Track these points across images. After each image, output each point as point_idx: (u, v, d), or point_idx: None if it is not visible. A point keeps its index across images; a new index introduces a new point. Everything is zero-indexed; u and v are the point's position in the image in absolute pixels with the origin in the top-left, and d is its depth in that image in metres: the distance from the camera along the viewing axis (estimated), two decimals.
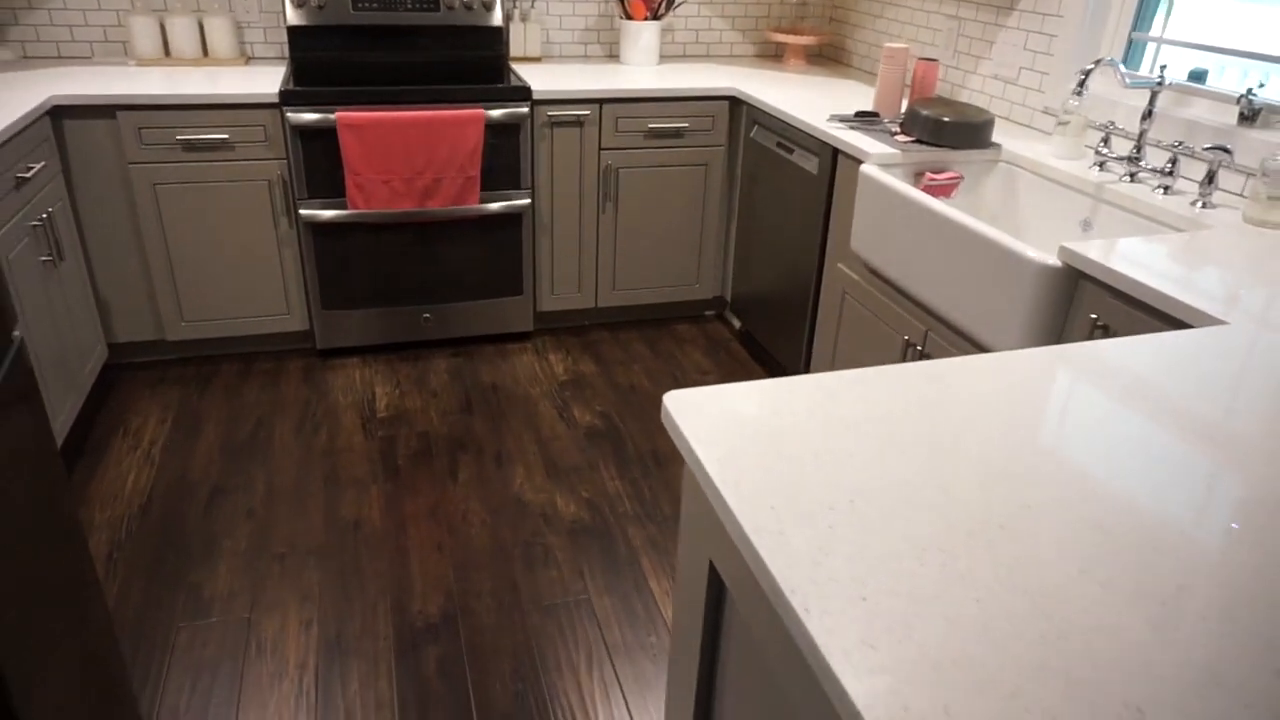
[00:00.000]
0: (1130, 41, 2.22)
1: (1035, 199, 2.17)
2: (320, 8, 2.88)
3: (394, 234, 2.77)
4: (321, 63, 2.89)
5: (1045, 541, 0.76)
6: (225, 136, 2.53)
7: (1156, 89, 1.92)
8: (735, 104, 2.91)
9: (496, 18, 3.03)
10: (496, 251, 2.89)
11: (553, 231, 2.94)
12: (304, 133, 2.57)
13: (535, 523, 2.19)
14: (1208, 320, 1.30)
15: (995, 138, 2.31)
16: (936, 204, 1.90)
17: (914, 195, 1.97)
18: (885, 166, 2.18)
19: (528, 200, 2.84)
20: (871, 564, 0.73)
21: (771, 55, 3.45)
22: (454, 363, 2.91)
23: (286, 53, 2.99)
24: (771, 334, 2.83)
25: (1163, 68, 1.93)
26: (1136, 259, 1.50)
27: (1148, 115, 1.94)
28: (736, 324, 3.14)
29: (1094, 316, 1.52)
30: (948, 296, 1.87)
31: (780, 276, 2.73)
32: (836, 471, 0.85)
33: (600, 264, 3.04)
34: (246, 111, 2.53)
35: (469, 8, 3.00)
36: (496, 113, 2.67)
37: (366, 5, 2.92)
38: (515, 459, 2.43)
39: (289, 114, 2.52)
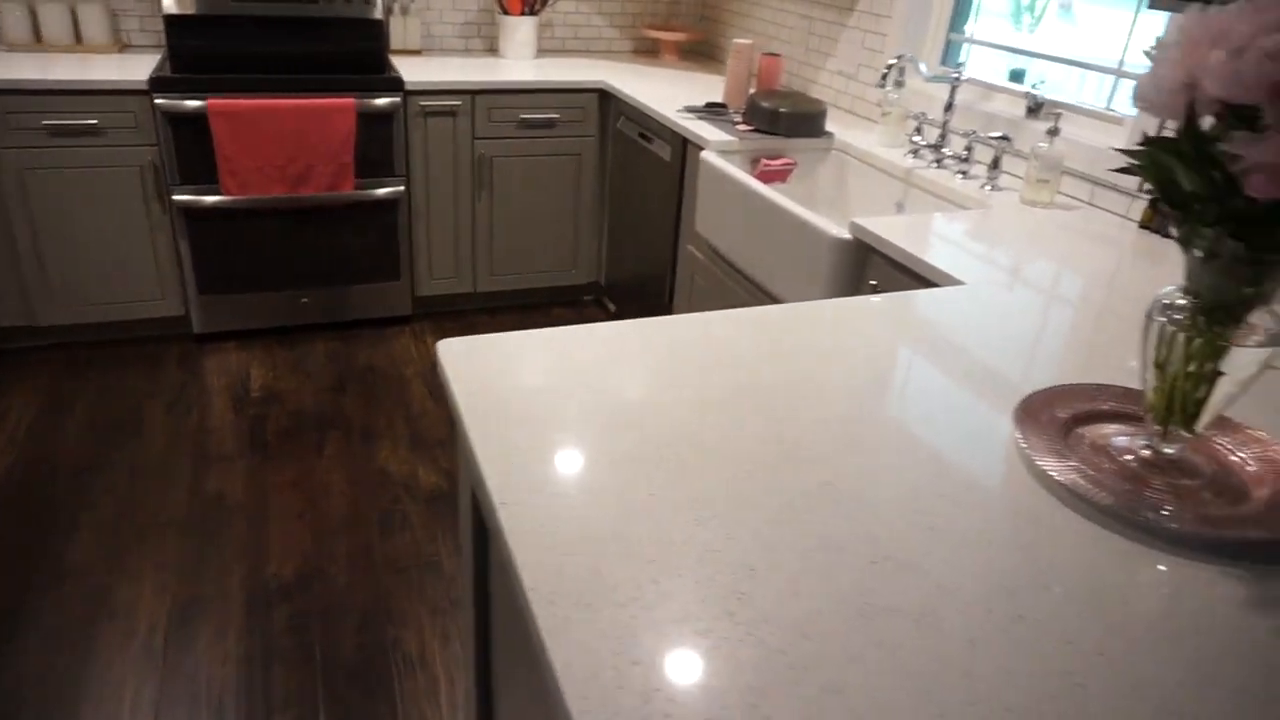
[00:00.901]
0: (948, 41, 2.42)
1: (861, 183, 2.35)
2: None
3: (270, 219, 2.84)
4: (198, 51, 2.93)
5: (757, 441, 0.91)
6: (94, 122, 2.57)
7: (954, 84, 2.12)
8: (605, 96, 3.05)
9: (376, 11, 3.11)
10: (373, 237, 2.97)
11: (429, 218, 3.04)
12: (175, 119, 2.61)
13: (395, 492, 2.29)
14: (951, 281, 1.48)
15: (832, 128, 2.49)
16: (758, 185, 2.06)
17: (741, 178, 2.13)
18: (724, 153, 2.34)
19: (402, 187, 2.93)
20: (594, 490, 0.86)
21: (647, 51, 3.60)
22: (332, 346, 2.98)
23: (163, 41, 3.02)
24: (639, 317, 2.96)
25: (959, 65, 2.12)
26: (912, 233, 1.68)
27: (949, 107, 2.14)
28: (612, 308, 3.27)
29: (873, 282, 1.69)
30: (768, 270, 2.04)
31: (644, 260, 2.87)
32: (582, 408, 0.99)
33: (477, 250, 3.15)
34: (116, 98, 2.56)
35: (348, 1, 3.08)
36: (368, 102, 2.75)
37: None
38: (382, 435, 2.52)
39: (159, 100, 2.57)
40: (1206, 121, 0.77)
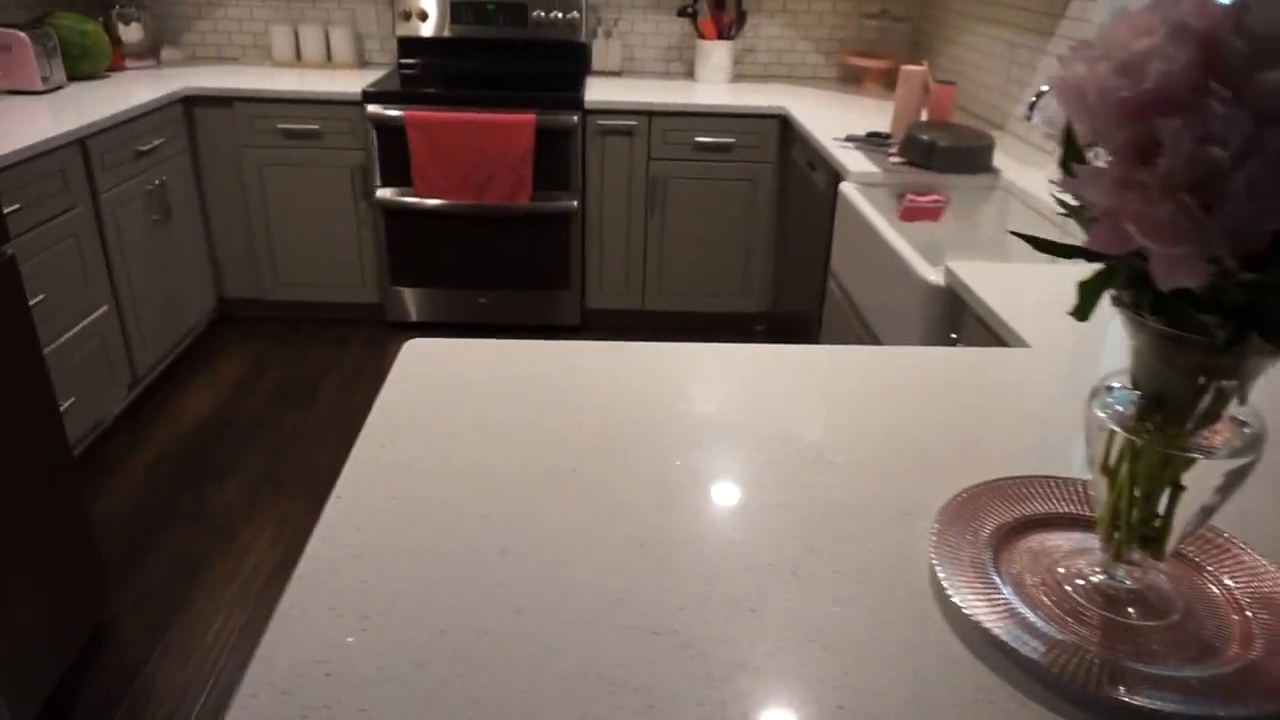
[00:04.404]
0: None
1: (1024, 228, 2.09)
2: (425, 20, 3.25)
3: (456, 222, 3.07)
4: (420, 69, 3.26)
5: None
6: (316, 127, 2.94)
7: None
8: (785, 123, 2.97)
9: (581, 34, 3.28)
10: (546, 247, 3.12)
11: (602, 233, 3.13)
12: (381, 127, 2.92)
13: None
14: (1020, 343, 1.27)
15: (1008, 165, 2.24)
16: (875, 219, 1.90)
17: (864, 210, 1.98)
18: (865, 186, 2.18)
19: (576, 202, 3.04)
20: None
21: (852, 79, 3.45)
22: None
23: (396, 59, 3.38)
24: None
25: None
26: (1011, 284, 1.47)
27: None
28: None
29: (953, 336, 1.50)
30: (877, 315, 1.87)
31: (800, 294, 2.75)
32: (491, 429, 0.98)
33: (648, 268, 3.19)
34: (335, 107, 2.92)
35: (554, 24, 3.26)
36: (548, 118, 2.90)
37: (464, 19, 3.25)
38: None
39: (369, 110, 2.89)
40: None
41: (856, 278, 2.03)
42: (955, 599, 0.71)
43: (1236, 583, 0.75)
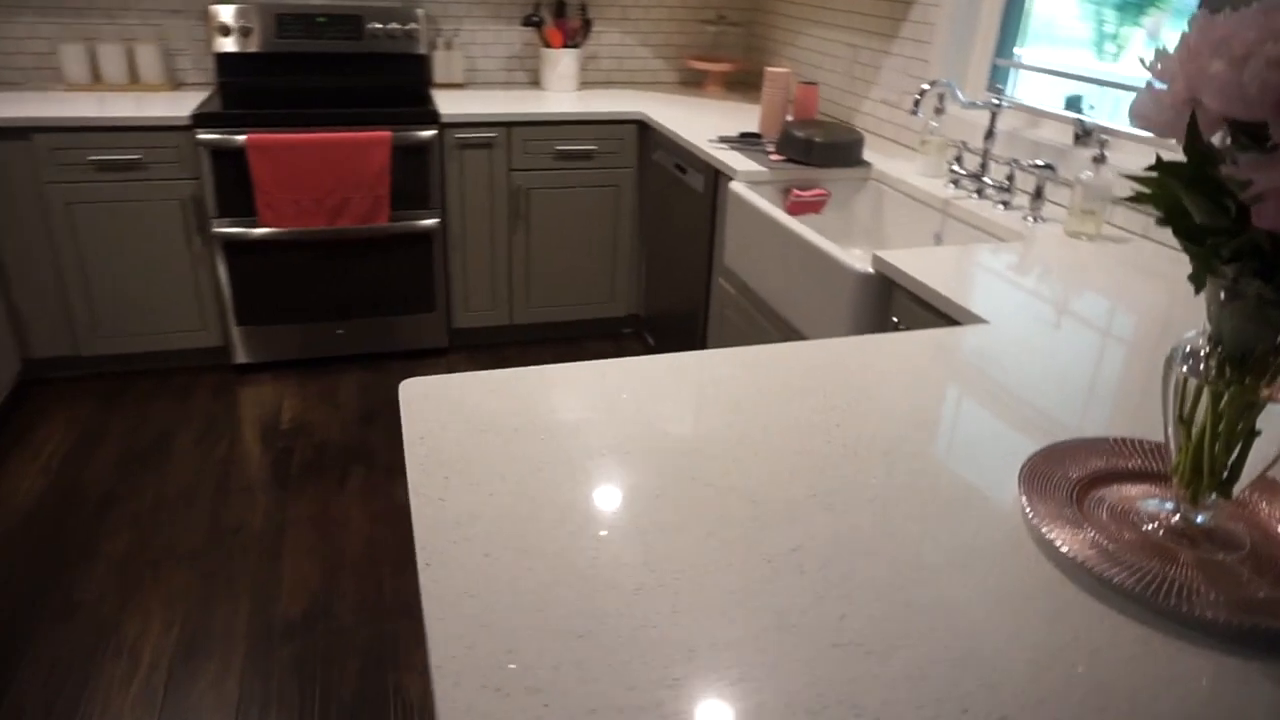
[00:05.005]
0: (994, 67, 2.30)
1: (898, 215, 2.23)
2: (246, 35, 2.99)
3: (307, 251, 2.86)
4: (245, 88, 2.99)
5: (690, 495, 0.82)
6: (138, 157, 2.63)
7: (995, 110, 1.99)
8: (643, 128, 3.00)
9: (419, 46, 3.14)
10: (408, 269, 2.97)
11: (465, 250, 3.02)
12: (216, 153, 2.66)
13: (411, 528, 2.24)
14: (973, 319, 1.36)
15: (872, 157, 2.38)
16: (783, 217, 1.97)
17: (767, 209, 2.03)
18: (753, 184, 2.25)
19: (437, 220, 2.92)
20: (513, 528, 0.79)
21: (693, 83, 3.54)
22: (366, 377, 2.98)
23: (215, 78, 3.09)
24: (675, 350, 2.88)
25: (999, 90, 2.00)
26: (939, 267, 1.56)
27: (989, 135, 2.01)
28: (651, 341, 3.20)
29: (895, 319, 1.58)
30: (794, 305, 1.93)
31: (680, 294, 2.79)
32: (510, 451, 0.91)
33: (514, 282, 3.11)
34: (159, 134, 2.62)
35: (392, 36, 3.11)
36: (404, 135, 2.76)
37: (291, 33, 3.03)
38: (405, 470, 2.48)
39: (200, 136, 2.62)
40: (1218, 142, 0.66)
41: (762, 274, 2.08)
42: (1052, 538, 0.76)
43: None
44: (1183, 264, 1.62)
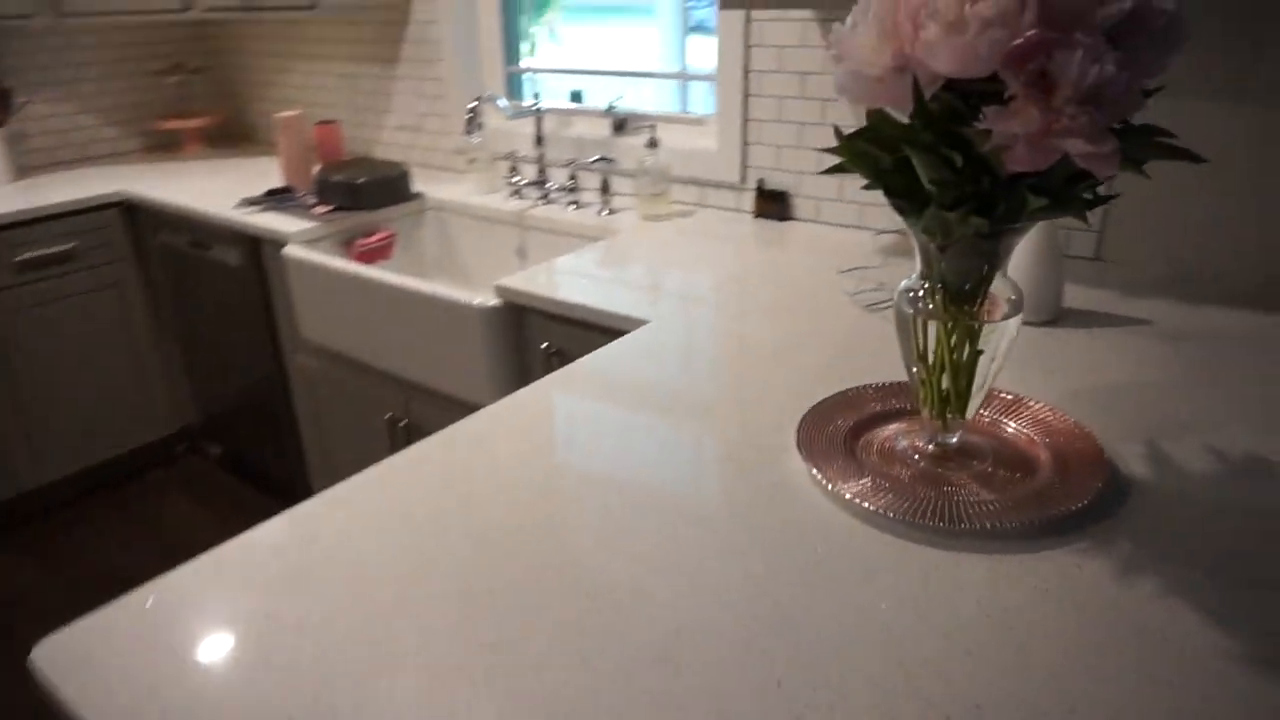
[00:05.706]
0: (508, 75, 2.32)
1: (470, 240, 2.16)
2: None
3: None
4: None
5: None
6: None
7: (538, 115, 2.01)
8: (130, 209, 2.49)
9: None
10: None
11: None
12: None
13: None
14: (632, 321, 1.34)
15: (417, 187, 2.25)
16: (368, 271, 1.77)
17: (343, 267, 1.82)
18: (309, 243, 1.99)
19: None
20: None
21: (168, 145, 3.04)
22: None
23: None
24: (258, 448, 2.49)
25: (536, 95, 2.03)
26: (562, 279, 1.52)
27: (539, 140, 2.03)
28: (216, 450, 2.72)
29: (545, 345, 1.51)
30: (411, 361, 1.76)
31: (243, 385, 2.40)
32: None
33: (13, 445, 2.40)
34: None
35: None
36: None
37: None
38: None
39: None
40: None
41: (356, 337, 1.86)
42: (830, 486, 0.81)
43: (1017, 421, 0.97)
44: (737, 224, 1.80)
